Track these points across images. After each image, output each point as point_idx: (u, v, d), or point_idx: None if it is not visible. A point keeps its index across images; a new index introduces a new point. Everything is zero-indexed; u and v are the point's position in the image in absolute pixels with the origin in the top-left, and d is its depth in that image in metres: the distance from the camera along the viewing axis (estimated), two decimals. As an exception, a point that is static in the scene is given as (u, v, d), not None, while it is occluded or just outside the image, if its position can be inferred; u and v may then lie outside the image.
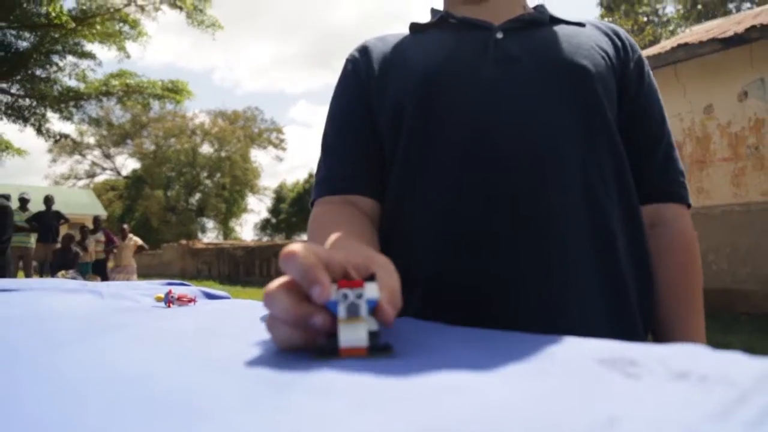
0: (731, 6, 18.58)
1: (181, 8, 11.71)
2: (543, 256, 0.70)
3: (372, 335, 0.40)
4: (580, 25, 0.85)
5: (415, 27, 0.89)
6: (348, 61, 0.89)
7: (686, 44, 6.60)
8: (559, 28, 0.82)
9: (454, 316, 0.62)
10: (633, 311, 0.74)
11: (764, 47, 6.22)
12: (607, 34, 0.86)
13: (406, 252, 0.70)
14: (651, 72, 0.87)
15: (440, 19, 0.86)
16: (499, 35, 0.80)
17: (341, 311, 0.39)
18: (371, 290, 0.41)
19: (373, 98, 0.84)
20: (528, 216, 0.70)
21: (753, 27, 6.03)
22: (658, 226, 0.83)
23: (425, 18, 0.90)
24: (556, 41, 0.79)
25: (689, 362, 0.33)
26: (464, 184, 0.73)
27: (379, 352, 0.39)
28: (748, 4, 17.99)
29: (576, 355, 0.37)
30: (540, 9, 0.86)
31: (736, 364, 0.32)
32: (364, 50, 0.89)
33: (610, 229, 0.73)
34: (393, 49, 0.86)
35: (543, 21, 0.83)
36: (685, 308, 0.80)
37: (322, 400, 0.28)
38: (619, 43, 0.85)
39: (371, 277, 0.42)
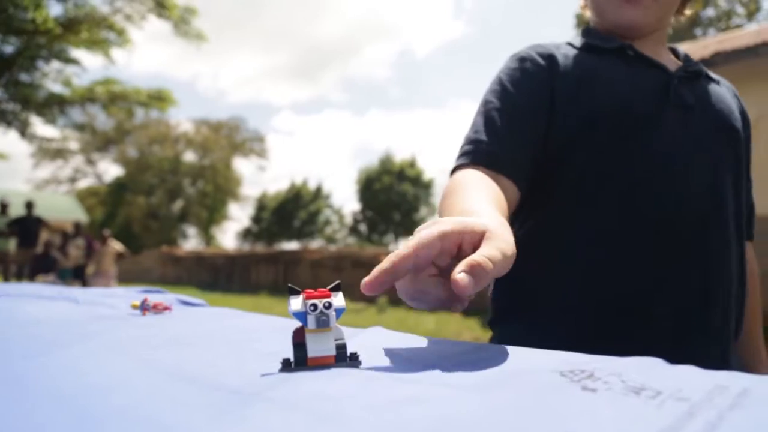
0: (698, 32, 19.26)
1: (167, 18, 11.68)
2: (706, 288, 0.81)
3: (339, 345, 0.40)
4: (717, 82, 0.95)
5: (591, 47, 0.93)
6: (526, 59, 0.92)
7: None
8: (712, 86, 0.92)
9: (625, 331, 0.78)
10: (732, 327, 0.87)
11: (728, 72, 6.39)
12: (735, 96, 0.97)
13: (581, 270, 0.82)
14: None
15: (619, 48, 0.91)
16: (675, 81, 0.87)
17: (311, 322, 0.40)
18: (338, 300, 0.41)
19: (561, 104, 0.88)
20: (692, 249, 0.81)
21: (717, 53, 6.27)
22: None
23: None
24: (716, 99, 0.90)
25: (645, 376, 0.34)
26: (638, 214, 0.81)
27: (346, 362, 0.40)
28: (713, 31, 18.76)
29: (539, 369, 0.38)
30: (694, 63, 0.95)
31: (688, 377, 0.33)
32: (547, 56, 0.92)
33: (742, 263, 0.89)
34: (579, 67, 0.90)
35: (702, 73, 0.92)
36: (755, 323, 0.99)
37: (285, 413, 0.29)
38: (741, 108, 0.97)
39: (337, 287, 0.42)
